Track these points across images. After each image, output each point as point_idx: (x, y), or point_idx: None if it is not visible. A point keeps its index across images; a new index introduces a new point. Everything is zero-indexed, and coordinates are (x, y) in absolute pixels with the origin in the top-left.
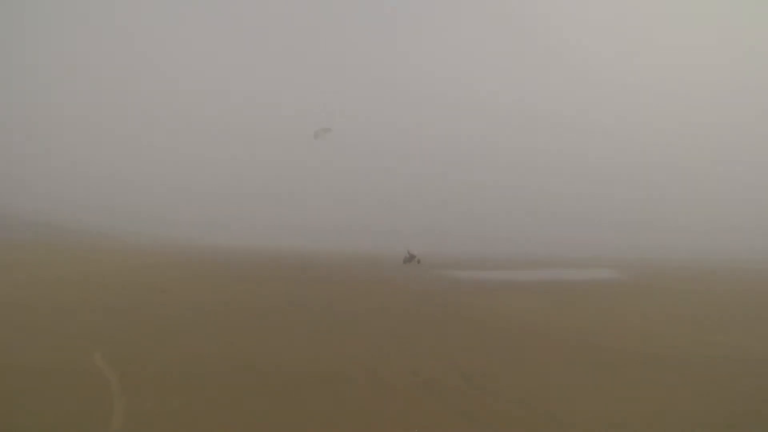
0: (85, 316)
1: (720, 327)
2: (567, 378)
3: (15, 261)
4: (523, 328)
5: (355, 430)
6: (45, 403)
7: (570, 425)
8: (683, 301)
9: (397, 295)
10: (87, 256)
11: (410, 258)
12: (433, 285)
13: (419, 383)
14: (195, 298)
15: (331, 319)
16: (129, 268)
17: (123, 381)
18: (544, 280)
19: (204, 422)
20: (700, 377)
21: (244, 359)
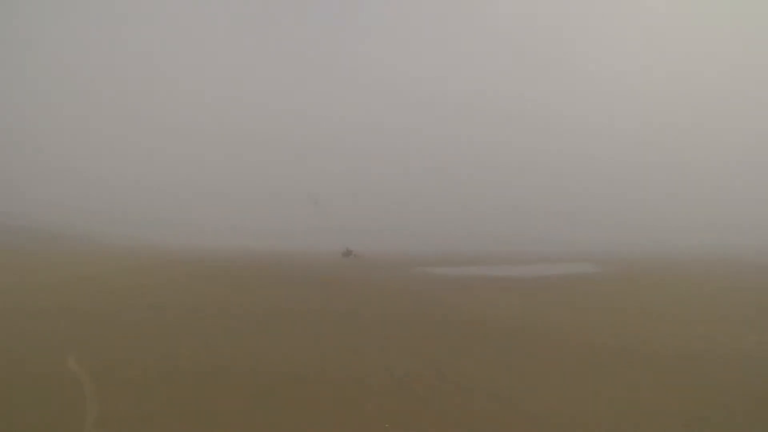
0: (69, 319)
1: (709, 322)
2: (547, 375)
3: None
4: (503, 325)
5: (330, 429)
6: (25, 409)
7: (549, 423)
8: (671, 297)
9: (372, 294)
10: (69, 260)
11: (348, 253)
12: (409, 283)
13: (394, 381)
14: (177, 301)
15: (310, 319)
16: (112, 271)
17: (104, 385)
18: (525, 277)
19: (182, 424)
20: (686, 371)
21: (221, 361)
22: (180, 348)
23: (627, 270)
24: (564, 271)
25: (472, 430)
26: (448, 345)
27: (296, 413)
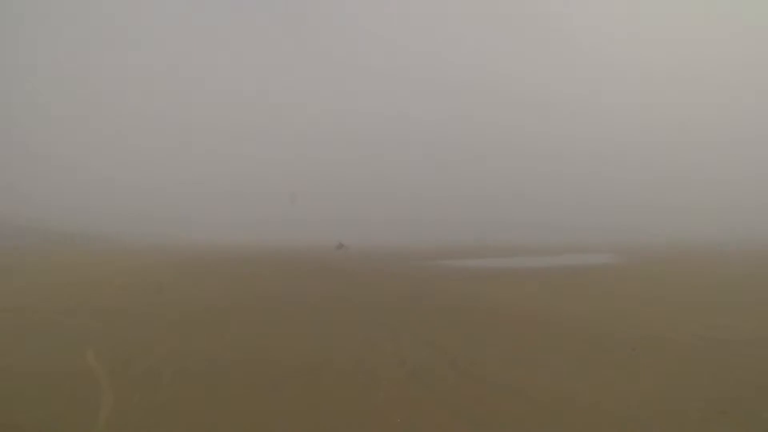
0: (83, 318)
1: (718, 310)
2: (564, 366)
3: (15, 267)
4: (514, 315)
5: (343, 420)
6: (45, 403)
7: (566, 414)
8: (690, 286)
9: (386, 285)
10: (85, 260)
11: (340, 246)
12: (421, 274)
13: (407, 372)
14: (189, 296)
15: (321, 311)
16: (126, 269)
17: (120, 379)
18: (536, 267)
19: (196, 416)
20: (699, 361)
21: (235, 354)
22: (192, 341)
23: (644, 260)
24: (578, 262)
25: (486, 421)
26: (462, 336)
27: (309, 404)
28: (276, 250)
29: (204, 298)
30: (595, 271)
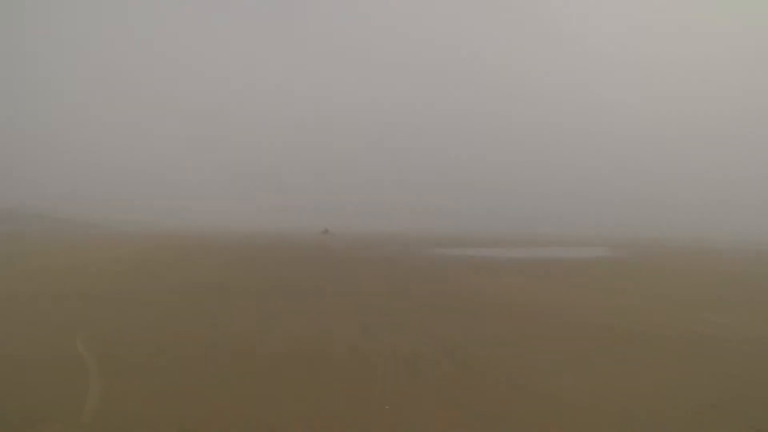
0: (78, 304)
1: (713, 306)
2: (557, 357)
3: (11, 252)
4: (511, 306)
5: (335, 407)
6: (36, 389)
7: (559, 405)
8: (683, 282)
9: (382, 273)
10: (81, 247)
11: (326, 231)
12: (418, 263)
13: (400, 360)
14: (184, 284)
15: (316, 298)
16: (122, 256)
17: (113, 365)
18: (535, 259)
19: (189, 402)
20: (692, 356)
21: (229, 342)
22: (186, 329)
23: (639, 255)
24: (575, 255)
25: (480, 410)
26: (456, 325)
27: (302, 391)
28: (272, 237)
29: (199, 285)
30: (595, 265)
